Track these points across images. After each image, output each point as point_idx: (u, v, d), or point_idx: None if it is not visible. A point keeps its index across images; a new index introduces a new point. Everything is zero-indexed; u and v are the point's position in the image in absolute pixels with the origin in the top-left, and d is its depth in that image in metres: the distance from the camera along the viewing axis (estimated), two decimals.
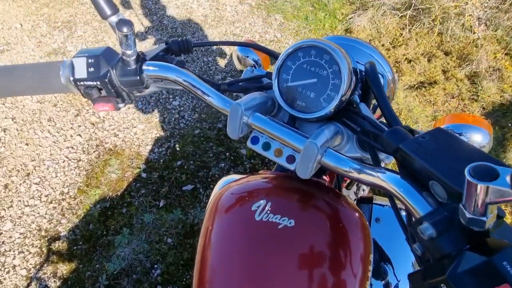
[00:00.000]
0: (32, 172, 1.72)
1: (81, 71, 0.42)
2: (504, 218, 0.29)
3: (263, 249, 0.45)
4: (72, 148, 1.81)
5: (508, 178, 0.23)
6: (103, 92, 0.44)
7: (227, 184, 0.55)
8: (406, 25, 2.43)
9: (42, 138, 1.85)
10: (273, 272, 0.43)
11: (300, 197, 0.49)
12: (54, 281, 1.41)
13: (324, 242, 0.45)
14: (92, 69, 0.42)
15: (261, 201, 0.47)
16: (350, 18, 2.57)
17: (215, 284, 0.45)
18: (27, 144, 1.82)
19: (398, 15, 2.43)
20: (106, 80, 0.42)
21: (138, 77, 0.44)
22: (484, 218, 0.25)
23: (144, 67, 0.45)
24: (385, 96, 0.44)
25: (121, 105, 0.47)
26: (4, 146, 1.81)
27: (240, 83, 0.52)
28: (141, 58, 0.45)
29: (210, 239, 0.49)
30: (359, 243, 0.46)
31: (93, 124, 1.91)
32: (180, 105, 2.03)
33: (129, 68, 0.43)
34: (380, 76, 0.59)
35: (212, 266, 0.46)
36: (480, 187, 0.23)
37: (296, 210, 0.47)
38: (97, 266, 1.43)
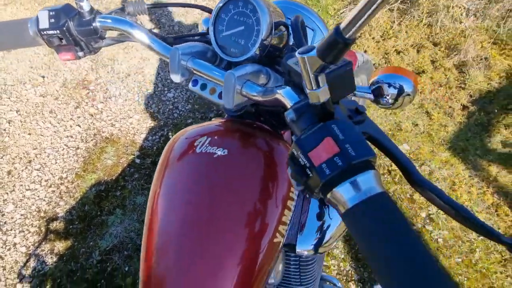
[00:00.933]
0: (34, 159, 1.82)
1: (44, 22, 0.50)
2: (365, 113, 0.35)
3: (200, 175, 0.51)
4: (72, 137, 1.92)
5: (314, 51, 0.29)
6: (64, 42, 0.52)
7: (180, 132, 0.62)
8: (396, 18, 2.48)
9: (43, 128, 1.96)
10: (209, 196, 0.49)
11: (238, 134, 0.56)
12: (51, 257, 1.49)
13: (253, 169, 0.51)
14: (53, 20, 0.50)
15: (203, 138, 0.54)
16: (341, 13, 2.64)
17: (162, 210, 0.52)
18: (29, 134, 1.93)
19: (387, 9, 2.48)
20: (64, 29, 0.50)
21: (92, 27, 0.52)
22: (317, 90, 0.31)
23: (97, 19, 0.52)
24: (301, 38, 0.50)
25: (80, 53, 0.54)
26: (8, 136, 1.92)
27: (186, 38, 0.59)
28: (95, 11, 0.52)
29: (162, 173, 0.56)
30: (285, 173, 0.52)
31: (92, 115, 2.02)
32: (174, 96, 2.12)
33: (84, 19, 0.51)
34: (310, 29, 0.66)
35: (160, 195, 0.53)
36: (302, 59, 0.30)
37: (231, 142, 0.54)
38: (91, 243, 1.51)
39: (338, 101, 0.36)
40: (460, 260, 1.41)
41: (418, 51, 2.30)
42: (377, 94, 0.63)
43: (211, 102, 0.56)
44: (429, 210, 1.55)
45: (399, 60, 2.25)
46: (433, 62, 2.23)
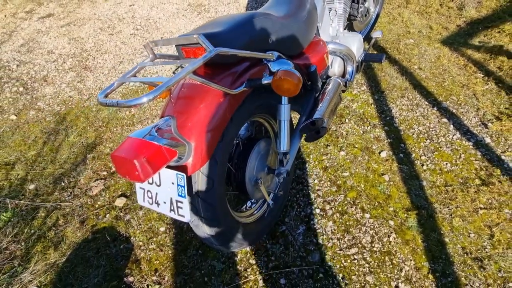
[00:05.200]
0: (175, 33, 3.03)
1: None
2: None
3: None
4: (196, 23, 3.11)
5: None
6: None
7: None
8: None
9: (179, 21, 3.19)
10: None
11: None
12: None
13: None
14: None
15: None
16: None
17: None
18: (171, 23, 3.17)
19: None
20: None
21: None
22: None
23: None
24: None
25: None
26: (160, 24, 3.18)
27: None
28: None
29: None
30: None
31: (208, 18, 3.22)
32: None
33: None
34: None
35: None
36: None
37: None
38: None
39: None
40: (434, 83, 2.27)
41: None
42: None
43: None
44: (420, 64, 2.44)
45: (415, 3, 3.20)
46: (441, 4, 3.14)
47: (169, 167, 0.89)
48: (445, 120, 1.98)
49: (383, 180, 1.65)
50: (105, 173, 1.82)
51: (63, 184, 1.77)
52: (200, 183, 0.97)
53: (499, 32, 2.67)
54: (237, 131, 1.09)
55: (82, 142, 2.02)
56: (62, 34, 3.19)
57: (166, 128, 0.90)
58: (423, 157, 1.76)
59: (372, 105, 2.13)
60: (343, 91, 1.68)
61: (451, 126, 1.93)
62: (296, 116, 1.96)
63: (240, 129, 1.12)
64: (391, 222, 1.46)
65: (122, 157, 0.78)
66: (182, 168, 0.90)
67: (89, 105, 2.33)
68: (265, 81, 1.02)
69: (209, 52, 0.85)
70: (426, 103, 2.11)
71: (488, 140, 1.82)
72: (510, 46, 2.49)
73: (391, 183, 1.64)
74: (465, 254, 1.32)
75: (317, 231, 1.45)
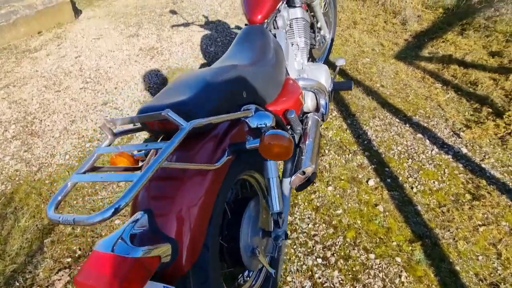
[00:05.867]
0: (130, 81, 2.85)
1: None
2: None
3: None
4: (153, 70, 2.96)
5: None
6: None
7: None
8: (361, 4, 3.64)
9: (132, 67, 3.02)
10: None
11: None
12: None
13: None
14: None
15: None
16: None
17: None
18: (123, 72, 2.99)
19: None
20: None
21: None
22: None
23: None
24: None
25: None
26: (111, 73, 2.98)
27: None
28: None
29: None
30: None
31: (163, 60, 3.09)
32: (213, 50, 3.20)
33: None
34: None
35: None
36: None
37: None
38: None
39: None
40: (399, 99, 2.31)
41: (375, 17, 3.40)
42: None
43: None
44: (381, 81, 2.49)
45: (362, 23, 3.34)
46: (385, 22, 3.31)
47: (153, 278, 0.72)
48: (420, 135, 1.98)
49: (378, 211, 1.57)
50: (69, 259, 1.55)
51: (17, 283, 1.47)
52: (192, 281, 0.80)
53: (443, 42, 2.84)
54: (225, 201, 0.95)
55: (36, 225, 1.73)
56: (1, 98, 2.87)
57: (142, 228, 0.73)
58: (410, 179, 1.71)
59: (347, 130, 2.10)
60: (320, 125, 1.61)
61: (427, 141, 1.94)
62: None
63: (226, 198, 0.98)
64: (398, 259, 1.37)
65: (89, 285, 0.60)
66: (169, 273, 0.73)
67: (40, 177, 2.04)
68: (250, 145, 0.90)
69: (183, 129, 0.71)
70: (398, 120, 2.12)
71: (464, 150, 1.84)
72: (458, 54, 2.64)
73: (387, 213, 1.56)
74: (480, 281, 1.25)
75: (325, 285, 1.31)
